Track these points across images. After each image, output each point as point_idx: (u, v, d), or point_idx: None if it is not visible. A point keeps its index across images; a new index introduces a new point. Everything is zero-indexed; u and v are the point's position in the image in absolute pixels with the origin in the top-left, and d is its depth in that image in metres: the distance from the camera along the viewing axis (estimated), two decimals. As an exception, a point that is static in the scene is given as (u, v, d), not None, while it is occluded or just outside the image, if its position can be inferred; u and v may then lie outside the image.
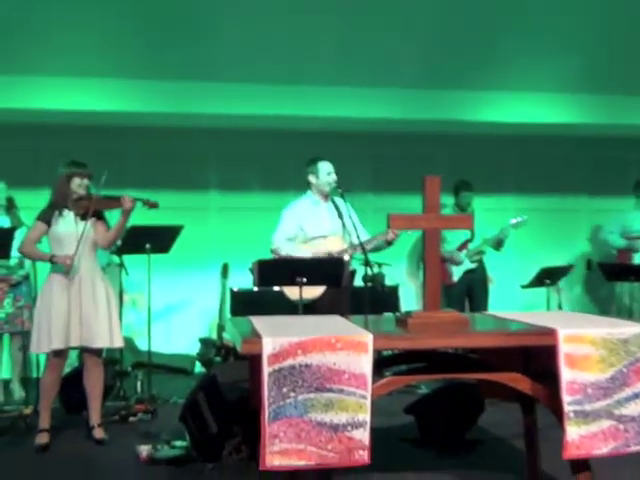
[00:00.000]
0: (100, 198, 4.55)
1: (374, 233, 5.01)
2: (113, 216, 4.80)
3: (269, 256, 5.05)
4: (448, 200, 6.77)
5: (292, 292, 4.83)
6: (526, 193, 7.86)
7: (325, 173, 5.11)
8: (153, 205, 4.71)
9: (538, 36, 6.19)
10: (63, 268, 4.48)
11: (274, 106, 6.53)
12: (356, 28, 6.00)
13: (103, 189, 4.53)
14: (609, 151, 7.87)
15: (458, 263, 6.74)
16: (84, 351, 4.68)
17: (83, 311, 4.51)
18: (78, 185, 4.58)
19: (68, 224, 4.57)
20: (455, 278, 6.76)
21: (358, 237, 4.76)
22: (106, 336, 4.56)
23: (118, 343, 4.67)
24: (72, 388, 5.00)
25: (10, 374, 6.07)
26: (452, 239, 6.70)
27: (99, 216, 4.67)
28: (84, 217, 4.55)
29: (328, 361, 2.76)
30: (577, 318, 3.49)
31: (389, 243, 4.98)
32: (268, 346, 2.73)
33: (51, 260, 4.50)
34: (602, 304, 7.80)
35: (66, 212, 4.58)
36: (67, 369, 5.44)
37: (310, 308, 4.77)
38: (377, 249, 5.03)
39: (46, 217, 4.57)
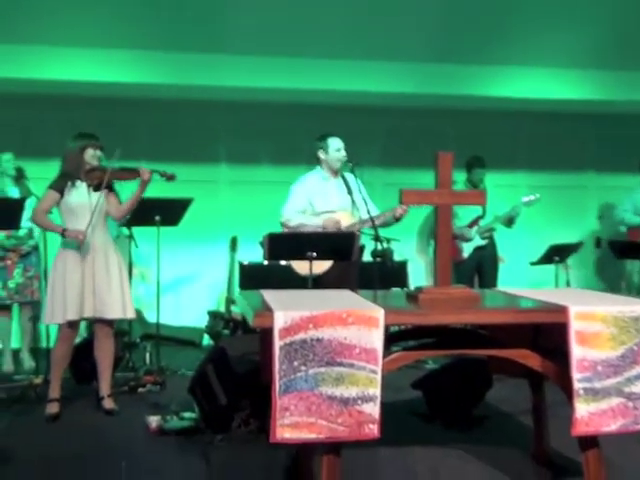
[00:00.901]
0: (116, 169, 4.54)
1: (382, 207, 5.01)
2: (123, 189, 4.81)
3: (278, 230, 5.06)
4: (459, 176, 6.75)
5: (300, 266, 4.84)
6: (537, 169, 7.82)
7: (334, 149, 5.10)
8: (170, 177, 4.70)
9: (551, 11, 6.14)
10: (75, 243, 4.49)
11: (285, 79, 6.49)
12: (370, 1, 5.95)
13: (116, 162, 4.53)
14: (619, 128, 7.81)
15: (468, 240, 6.73)
16: (96, 322, 4.70)
17: (96, 282, 4.53)
18: (91, 156, 4.57)
19: (81, 195, 4.56)
20: (465, 254, 6.75)
21: (368, 212, 4.74)
22: (119, 307, 4.59)
23: (130, 314, 4.70)
24: (82, 359, 5.05)
25: (20, 344, 6.11)
26: (463, 215, 6.68)
27: (110, 187, 4.67)
28: (97, 188, 4.54)
29: (339, 335, 2.76)
30: (588, 295, 3.48)
31: (397, 219, 4.96)
32: (280, 320, 2.74)
33: (63, 234, 4.50)
34: (611, 282, 7.78)
35: (78, 183, 4.57)
36: (78, 339, 5.50)
37: (317, 282, 4.78)
38: (385, 225, 5.01)
39: (59, 186, 4.56)
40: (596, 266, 8.12)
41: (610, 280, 7.84)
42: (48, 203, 4.59)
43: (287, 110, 7.15)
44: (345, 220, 5.06)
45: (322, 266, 4.88)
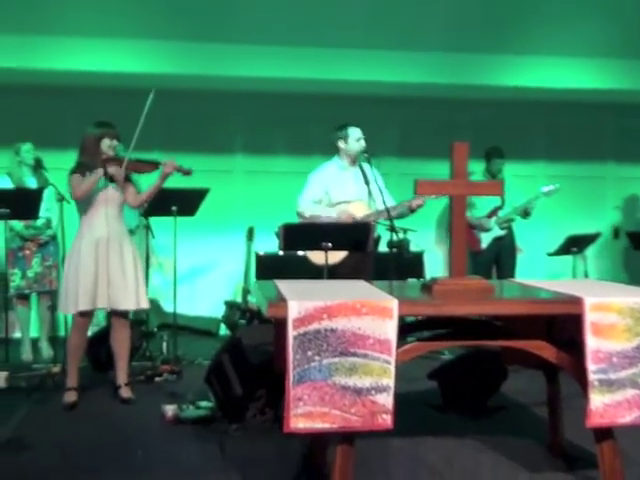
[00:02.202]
0: (133, 160, 4.55)
1: (398, 198, 5.00)
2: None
3: (294, 219, 5.07)
4: (477, 167, 6.72)
5: (316, 256, 4.85)
6: (556, 160, 7.77)
7: (355, 139, 5.11)
8: (187, 172, 4.71)
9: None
10: (95, 224, 4.51)
11: (301, 69, 6.48)
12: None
13: (133, 153, 4.52)
14: (638, 118, 7.73)
15: (487, 230, 6.70)
16: (111, 312, 4.73)
17: (110, 273, 4.55)
18: (108, 146, 4.58)
19: (98, 184, 4.57)
20: (484, 245, 6.72)
21: (384, 202, 4.73)
22: (132, 298, 4.61)
23: (144, 304, 4.72)
24: (100, 347, 5.10)
25: (39, 333, 6.17)
26: (481, 205, 6.65)
27: (128, 178, 4.68)
28: (113, 179, 4.55)
29: (353, 326, 2.77)
30: (603, 287, 3.47)
31: (413, 211, 4.95)
32: (293, 310, 2.75)
33: (105, 173, 4.45)
34: (631, 273, 7.73)
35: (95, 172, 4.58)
36: (95, 328, 5.55)
37: (332, 272, 4.79)
38: (400, 216, 5.00)
39: (81, 171, 4.54)
40: (617, 257, 8.05)
41: (631, 271, 7.79)
42: (78, 184, 4.50)
43: (303, 100, 7.14)
44: (360, 211, 5.05)
45: (337, 256, 4.89)
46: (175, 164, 4.58)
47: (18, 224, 5.80)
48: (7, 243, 5.85)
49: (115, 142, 4.59)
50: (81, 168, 4.57)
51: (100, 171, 4.47)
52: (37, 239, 5.88)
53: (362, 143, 5.10)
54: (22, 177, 5.85)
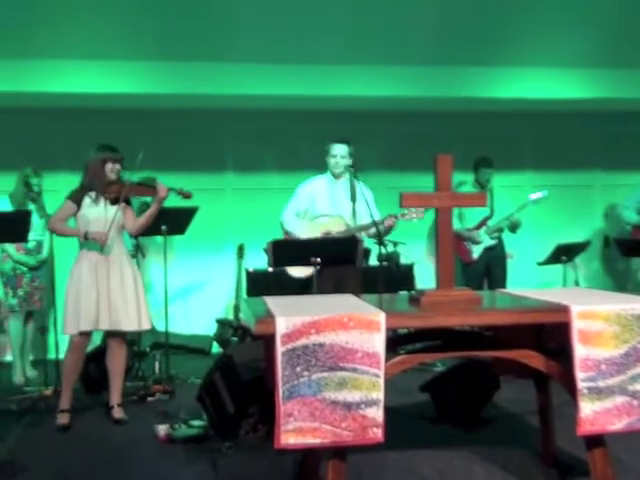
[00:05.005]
0: (134, 184, 4.58)
1: (386, 211, 5.01)
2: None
3: (281, 231, 5.13)
4: (468, 177, 6.76)
5: (295, 270, 4.99)
6: (542, 169, 7.81)
7: (331, 155, 5.22)
8: (187, 195, 4.75)
9: (553, 11, 6.12)
10: (95, 246, 4.52)
11: (289, 86, 6.50)
12: (369, 5, 5.96)
13: (138, 172, 4.54)
14: (625, 126, 7.79)
15: (478, 243, 6.72)
16: (109, 333, 4.72)
17: (111, 297, 4.55)
18: (110, 170, 4.60)
19: (98, 208, 4.59)
20: (475, 256, 6.74)
21: (371, 216, 4.76)
22: (134, 320, 4.61)
23: (146, 325, 4.73)
24: (92, 368, 5.08)
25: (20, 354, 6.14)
26: (470, 216, 6.68)
27: (128, 202, 4.70)
28: (114, 202, 4.57)
29: (341, 340, 2.77)
30: (591, 294, 3.48)
31: (387, 230, 4.96)
32: (281, 326, 2.75)
33: (85, 236, 4.50)
34: (620, 280, 7.76)
35: (97, 196, 4.59)
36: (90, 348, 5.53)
37: (308, 285, 4.87)
38: (376, 235, 5.04)
39: (77, 198, 4.58)
40: (606, 265, 8.08)
41: (620, 278, 7.81)
42: (65, 213, 4.60)
43: (291, 117, 7.17)
44: (337, 226, 5.13)
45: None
46: (167, 187, 4.62)
47: (11, 247, 5.80)
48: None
49: (118, 166, 4.61)
50: (80, 193, 4.59)
51: (82, 233, 4.51)
52: (28, 263, 5.86)
53: (338, 160, 5.17)
54: (24, 202, 5.82)
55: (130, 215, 4.75)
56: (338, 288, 4.63)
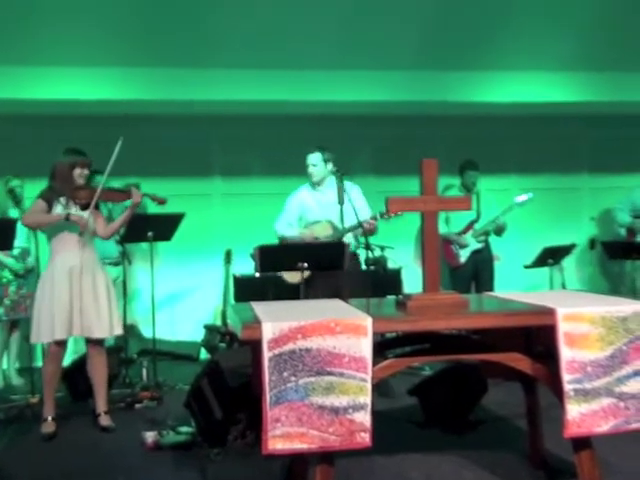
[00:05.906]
0: (105, 189, 4.55)
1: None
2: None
3: (272, 242, 5.15)
4: (455, 181, 6.78)
5: (289, 275, 4.95)
6: (528, 173, 7.84)
7: (306, 166, 5.31)
8: (161, 201, 4.74)
9: (537, 15, 6.16)
10: (67, 252, 4.49)
11: (275, 91, 6.51)
12: (356, 11, 5.98)
13: (110, 180, 4.52)
14: (610, 129, 7.83)
15: (464, 246, 6.73)
16: (87, 341, 4.70)
17: (83, 302, 4.53)
18: (79, 175, 4.57)
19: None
20: (462, 259, 6.75)
21: (357, 217, 4.77)
22: (106, 326, 4.60)
23: (118, 331, 4.72)
24: (78, 376, 5.05)
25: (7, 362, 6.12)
26: (456, 220, 6.69)
27: (97, 206, 4.67)
28: (85, 207, 4.54)
29: (328, 345, 2.77)
30: (576, 297, 3.50)
31: (366, 234, 4.93)
32: (268, 331, 2.75)
33: (67, 218, 4.45)
34: (612, 283, 7.79)
35: (66, 201, 4.57)
36: (74, 356, 5.52)
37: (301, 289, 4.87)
38: (360, 236, 5.07)
39: (47, 197, 4.54)
40: (600, 268, 8.09)
41: (612, 281, 7.85)
42: (37, 210, 4.54)
43: (278, 122, 7.17)
44: (324, 231, 5.19)
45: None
46: (141, 193, 4.61)
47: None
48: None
49: (86, 171, 4.58)
50: (49, 194, 4.55)
51: (63, 215, 4.47)
52: (14, 270, 5.84)
53: (310, 170, 5.27)
54: (6, 209, 5.80)
55: (100, 220, 4.72)
56: (335, 295, 4.62)
